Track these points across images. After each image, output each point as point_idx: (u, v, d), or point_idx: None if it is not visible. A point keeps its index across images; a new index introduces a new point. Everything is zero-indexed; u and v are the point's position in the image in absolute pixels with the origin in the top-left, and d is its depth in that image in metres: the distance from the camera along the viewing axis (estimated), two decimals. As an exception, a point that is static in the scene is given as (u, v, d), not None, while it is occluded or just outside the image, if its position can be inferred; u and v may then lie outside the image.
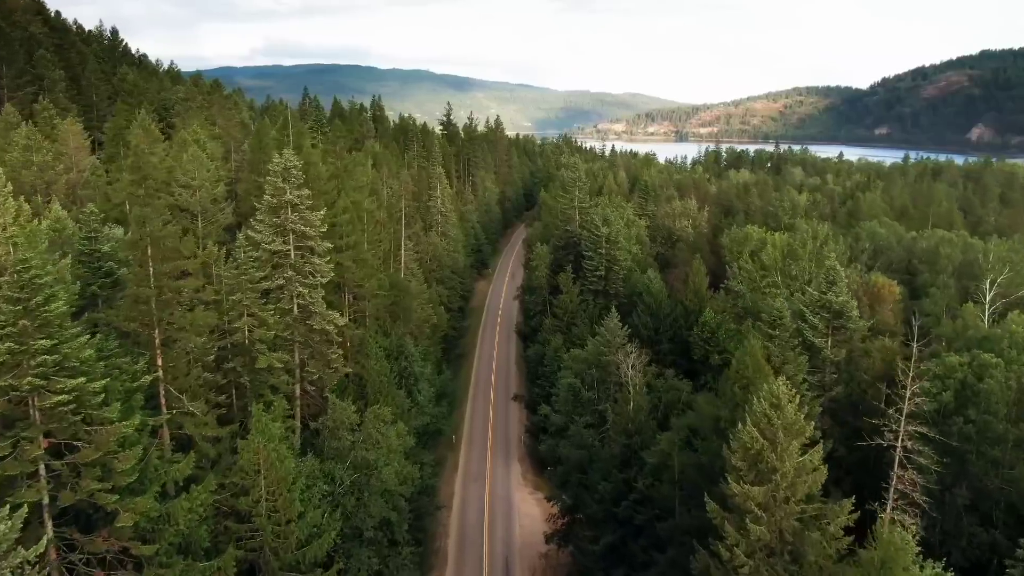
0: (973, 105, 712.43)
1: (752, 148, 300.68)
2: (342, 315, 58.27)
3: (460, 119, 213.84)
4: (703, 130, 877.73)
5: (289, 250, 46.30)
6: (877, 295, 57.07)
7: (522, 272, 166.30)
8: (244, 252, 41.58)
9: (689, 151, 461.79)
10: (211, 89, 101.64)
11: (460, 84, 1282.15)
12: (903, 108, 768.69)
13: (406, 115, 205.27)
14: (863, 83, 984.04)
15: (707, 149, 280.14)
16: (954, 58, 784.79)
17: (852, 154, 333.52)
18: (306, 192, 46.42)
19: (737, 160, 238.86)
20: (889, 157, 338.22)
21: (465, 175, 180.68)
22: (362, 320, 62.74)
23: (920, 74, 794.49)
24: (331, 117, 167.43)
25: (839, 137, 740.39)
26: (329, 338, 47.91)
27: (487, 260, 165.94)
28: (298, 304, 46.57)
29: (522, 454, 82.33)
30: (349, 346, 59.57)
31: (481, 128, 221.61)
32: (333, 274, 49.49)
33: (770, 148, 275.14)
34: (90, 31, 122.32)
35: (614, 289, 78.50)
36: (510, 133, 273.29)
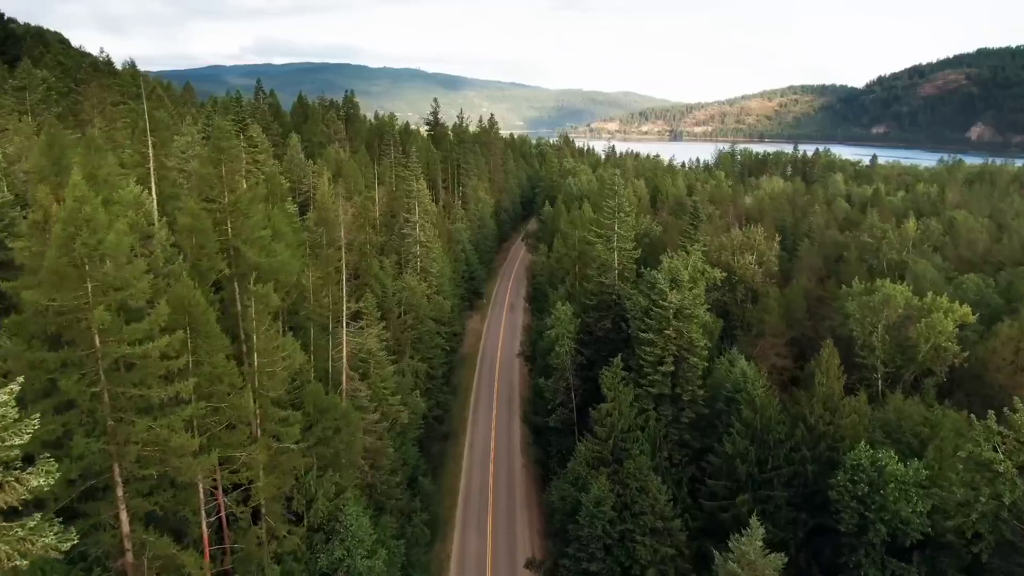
0: (972, 103, 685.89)
1: (769, 149, 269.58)
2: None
3: (450, 119, 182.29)
4: (697, 129, 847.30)
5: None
6: None
7: (523, 304, 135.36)
8: None
9: (685, 150, 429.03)
10: (88, 74, 69.54)
11: (451, 83, 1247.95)
12: (900, 107, 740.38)
13: (387, 114, 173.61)
14: (858, 81, 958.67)
15: (720, 150, 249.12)
16: (951, 56, 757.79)
17: (852, 153, 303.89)
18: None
19: (760, 164, 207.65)
20: (890, 156, 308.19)
21: (454, 184, 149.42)
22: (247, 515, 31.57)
23: (917, 72, 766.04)
24: (294, 117, 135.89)
25: (836, 136, 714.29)
26: None
27: (481, 287, 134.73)
28: None
29: (541, 646, 51.60)
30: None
31: (473, 128, 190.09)
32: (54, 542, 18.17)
33: (787, 148, 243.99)
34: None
35: (689, 392, 47.48)
36: (503, 133, 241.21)
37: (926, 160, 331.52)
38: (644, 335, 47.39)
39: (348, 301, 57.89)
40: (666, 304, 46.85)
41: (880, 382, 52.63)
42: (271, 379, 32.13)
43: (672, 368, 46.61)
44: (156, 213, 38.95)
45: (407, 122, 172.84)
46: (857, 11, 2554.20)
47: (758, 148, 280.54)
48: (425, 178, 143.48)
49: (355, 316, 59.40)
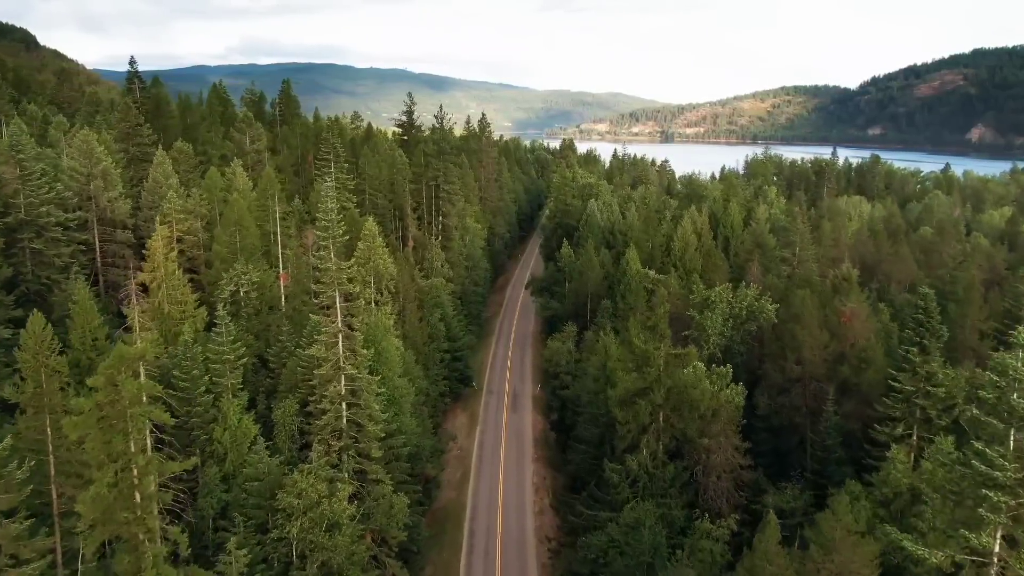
0: (971, 104, 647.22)
1: (798, 154, 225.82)
2: None
3: (434, 119, 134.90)
4: (689, 130, 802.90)
5: None
6: None
7: (529, 389, 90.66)
8: None
9: (678, 152, 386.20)
10: None
11: (438, 83, 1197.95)
12: (897, 108, 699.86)
13: (342, 115, 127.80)
14: (851, 82, 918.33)
15: (750, 157, 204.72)
16: (946, 56, 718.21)
17: (852, 155, 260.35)
18: None
19: (816, 177, 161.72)
20: (891, 158, 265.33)
21: (432, 210, 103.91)
22: None
23: (913, 73, 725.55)
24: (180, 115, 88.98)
25: (830, 137, 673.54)
26: None
27: (468, 362, 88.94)
28: None
29: None
30: None
31: (459, 131, 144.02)
32: None
33: (824, 152, 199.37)
34: None
35: None
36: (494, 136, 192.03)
37: (930, 163, 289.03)
38: None
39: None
40: None
41: None
42: None
43: None
44: None
45: (369, 123, 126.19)
46: (845, 10, 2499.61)
47: (790, 153, 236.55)
48: (390, 205, 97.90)
49: None
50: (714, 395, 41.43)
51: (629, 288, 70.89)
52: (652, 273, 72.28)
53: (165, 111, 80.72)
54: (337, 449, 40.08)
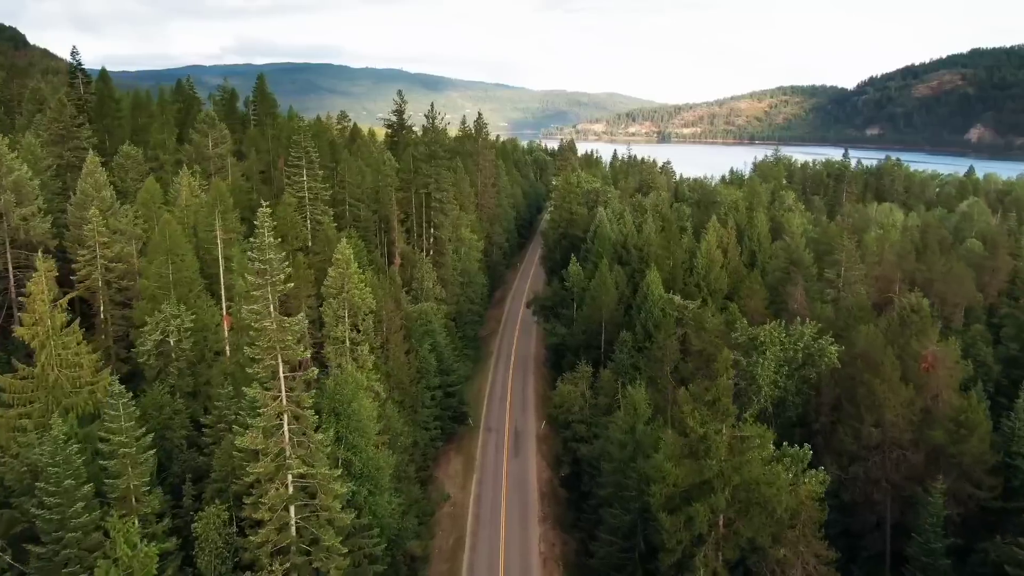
0: (969, 104, 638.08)
1: (798, 154, 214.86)
2: None
3: (428, 119, 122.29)
4: (686, 131, 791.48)
5: None
6: None
7: (534, 428, 79.39)
8: None
9: (675, 152, 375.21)
10: None
11: (434, 83, 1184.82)
12: (895, 108, 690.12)
13: (325, 116, 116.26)
14: (847, 82, 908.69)
15: (758, 159, 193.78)
16: (944, 56, 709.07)
17: (851, 156, 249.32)
18: None
19: (834, 181, 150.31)
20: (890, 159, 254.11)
21: (423, 221, 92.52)
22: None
23: (910, 73, 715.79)
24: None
25: (828, 138, 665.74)
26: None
27: (463, 395, 77.27)
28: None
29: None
30: None
31: (454, 131, 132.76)
32: None
33: (834, 153, 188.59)
34: None
35: None
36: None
37: (931, 163, 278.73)
38: None
39: None
40: None
41: None
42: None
43: None
44: None
45: (354, 124, 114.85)
46: (843, 10, 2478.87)
47: (790, 154, 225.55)
48: (374, 217, 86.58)
49: None
50: (792, 490, 30.41)
51: (651, 316, 59.80)
52: (678, 299, 61.10)
53: (112, 110, 69.13)
54: (282, 573, 28.81)
